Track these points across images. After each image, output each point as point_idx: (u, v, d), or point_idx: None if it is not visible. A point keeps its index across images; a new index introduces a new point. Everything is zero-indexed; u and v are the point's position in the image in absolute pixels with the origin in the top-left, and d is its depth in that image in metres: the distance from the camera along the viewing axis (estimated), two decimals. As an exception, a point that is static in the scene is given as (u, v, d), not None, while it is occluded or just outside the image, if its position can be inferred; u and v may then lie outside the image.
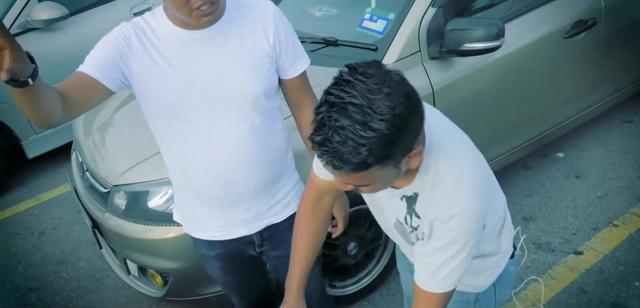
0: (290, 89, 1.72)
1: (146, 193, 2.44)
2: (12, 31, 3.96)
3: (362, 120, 1.01)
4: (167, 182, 2.39)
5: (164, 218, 2.40)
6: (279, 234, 1.85)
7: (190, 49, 1.56)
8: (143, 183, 2.46)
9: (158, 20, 1.56)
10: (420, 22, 2.48)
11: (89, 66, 1.49)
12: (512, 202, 3.24)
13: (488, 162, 2.82)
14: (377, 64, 1.08)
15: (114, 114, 2.96)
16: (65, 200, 3.93)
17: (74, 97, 1.44)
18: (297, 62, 1.68)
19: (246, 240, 1.84)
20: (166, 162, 1.81)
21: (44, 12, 3.96)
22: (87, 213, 2.75)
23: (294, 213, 1.68)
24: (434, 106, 2.53)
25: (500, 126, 2.87)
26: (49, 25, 4.02)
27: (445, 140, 1.25)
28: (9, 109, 3.95)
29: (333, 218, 1.91)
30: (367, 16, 2.64)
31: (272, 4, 1.65)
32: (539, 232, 3.03)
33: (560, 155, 3.60)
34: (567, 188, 3.32)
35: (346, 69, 1.07)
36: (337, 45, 2.61)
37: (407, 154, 1.12)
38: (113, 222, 2.52)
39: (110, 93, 1.53)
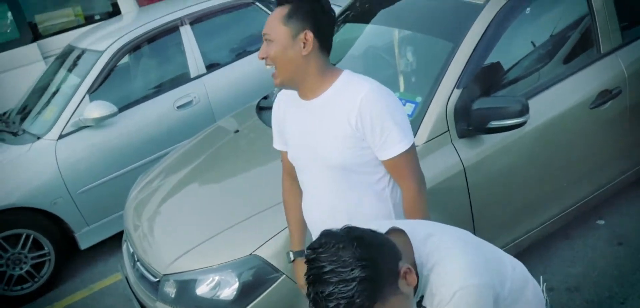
0: (387, 167, 1.87)
1: (194, 281, 2.56)
2: (66, 130, 4.21)
3: (338, 279, 1.19)
4: (213, 270, 2.53)
5: (211, 304, 2.51)
6: None
7: (300, 114, 1.91)
8: (191, 271, 2.59)
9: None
10: (447, 103, 2.60)
11: (279, 144, 2.10)
12: (554, 272, 3.22)
13: (525, 234, 2.86)
14: (327, 233, 1.30)
15: (161, 205, 3.13)
16: (116, 290, 4.07)
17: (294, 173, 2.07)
18: (387, 147, 1.80)
19: None
20: None
21: (95, 111, 4.18)
22: (139, 302, 2.88)
23: None
24: (467, 183, 2.64)
25: (534, 197, 2.91)
26: (100, 122, 4.24)
27: (430, 239, 1.38)
28: (64, 203, 4.18)
29: None
30: (396, 100, 2.77)
31: (367, 88, 1.79)
32: (585, 303, 2.99)
33: (601, 222, 3.57)
34: (610, 256, 3.29)
35: (308, 250, 1.30)
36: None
37: (396, 277, 1.26)
38: (164, 311, 2.64)
39: None
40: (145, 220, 3.10)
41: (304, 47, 1.77)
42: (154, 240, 2.94)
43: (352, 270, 1.20)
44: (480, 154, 2.66)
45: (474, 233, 2.71)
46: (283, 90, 2.01)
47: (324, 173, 1.90)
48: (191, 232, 2.76)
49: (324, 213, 1.95)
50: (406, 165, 1.86)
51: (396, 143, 1.80)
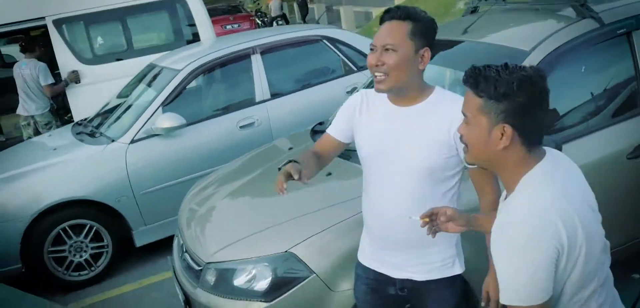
0: (473, 175, 2.03)
1: (233, 271, 2.77)
2: (138, 136, 4.58)
3: (497, 68, 1.49)
4: (251, 262, 2.73)
5: (246, 294, 2.70)
6: (419, 293, 2.15)
7: (389, 120, 2.06)
8: (231, 261, 2.80)
9: (380, 95, 2.07)
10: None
11: (334, 129, 2.22)
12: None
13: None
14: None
15: (213, 206, 3.40)
16: (162, 287, 4.33)
17: (324, 155, 2.20)
18: None
19: (388, 280, 2.18)
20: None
21: (166, 121, 4.54)
22: (182, 288, 3.11)
23: (438, 280, 2.10)
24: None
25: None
26: (169, 132, 4.59)
27: (536, 167, 1.51)
28: (127, 202, 4.53)
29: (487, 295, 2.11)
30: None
31: None
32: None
33: (636, 276, 3.52)
34: (646, 314, 3.24)
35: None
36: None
37: (498, 121, 1.46)
38: (203, 297, 2.85)
39: (345, 146, 2.23)
40: (197, 217, 3.35)
41: (421, 62, 1.97)
42: (202, 233, 3.19)
43: (504, 74, 1.46)
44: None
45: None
46: (365, 91, 2.18)
47: (405, 176, 2.02)
48: (236, 228, 2.99)
49: (398, 213, 2.03)
50: (488, 174, 2.01)
51: None
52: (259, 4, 21.67)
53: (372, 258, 2.22)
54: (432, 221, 1.82)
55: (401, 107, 2.04)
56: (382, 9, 2.17)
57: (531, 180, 1.50)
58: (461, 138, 1.63)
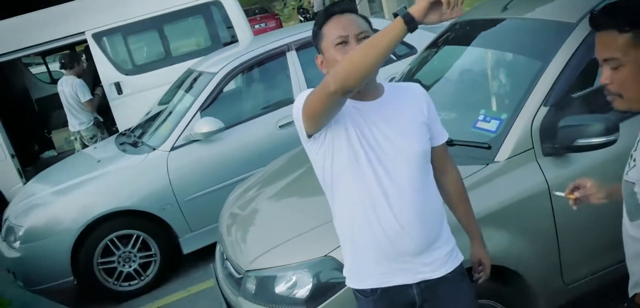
0: (436, 156, 2.02)
1: (273, 278, 2.68)
2: (178, 143, 4.59)
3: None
4: (292, 268, 2.63)
5: (288, 302, 2.61)
6: (435, 294, 1.99)
7: (363, 115, 1.86)
8: (271, 268, 2.71)
9: None
10: (532, 120, 2.55)
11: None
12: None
13: (609, 267, 2.67)
14: None
15: (253, 211, 3.34)
16: (211, 293, 4.29)
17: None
18: (442, 132, 2.04)
19: (400, 290, 1.98)
20: (335, 216, 2.06)
21: (204, 126, 4.53)
22: (224, 297, 3.06)
23: (452, 272, 1.99)
24: (551, 203, 2.55)
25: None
26: (208, 137, 4.57)
27: None
28: (171, 210, 4.54)
29: (480, 264, 2.16)
30: (480, 117, 2.77)
31: (415, 84, 2.06)
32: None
33: None
34: None
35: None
36: (453, 144, 2.73)
37: None
38: (245, 306, 2.78)
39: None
40: (237, 223, 3.30)
41: None
42: (242, 240, 3.12)
43: None
44: (567, 174, 2.55)
45: (559, 257, 2.62)
46: None
47: (409, 168, 1.87)
48: (274, 234, 2.90)
49: (415, 207, 1.90)
50: (448, 151, 2.09)
51: (443, 129, 2.05)
52: (301, 0, 21.61)
53: (382, 275, 1.97)
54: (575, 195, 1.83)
55: (371, 101, 1.89)
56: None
57: None
58: (607, 87, 1.51)
